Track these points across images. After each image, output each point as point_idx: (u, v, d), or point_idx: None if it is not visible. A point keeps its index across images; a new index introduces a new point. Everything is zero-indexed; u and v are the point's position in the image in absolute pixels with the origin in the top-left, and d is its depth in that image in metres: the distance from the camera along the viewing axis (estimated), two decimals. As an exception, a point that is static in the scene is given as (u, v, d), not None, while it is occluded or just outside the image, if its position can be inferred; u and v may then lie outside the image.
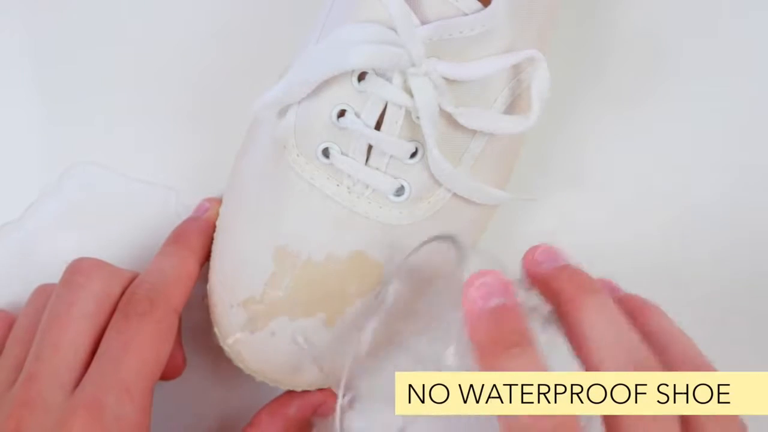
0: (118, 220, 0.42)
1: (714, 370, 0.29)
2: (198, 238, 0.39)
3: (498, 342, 0.28)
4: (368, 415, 0.33)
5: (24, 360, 0.35)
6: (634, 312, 0.30)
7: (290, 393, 0.38)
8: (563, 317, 0.29)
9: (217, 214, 0.40)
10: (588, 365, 0.28)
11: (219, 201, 0.40)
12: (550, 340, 0.30)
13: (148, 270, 0.37)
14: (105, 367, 0.34)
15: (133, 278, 0.37)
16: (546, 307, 0.31)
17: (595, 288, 0.30)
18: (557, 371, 0.28)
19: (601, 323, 0.28)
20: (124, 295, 0.36)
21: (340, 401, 0.33)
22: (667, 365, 0.28)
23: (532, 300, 0.31)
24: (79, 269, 0.36)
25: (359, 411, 0.33)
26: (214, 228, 0.39)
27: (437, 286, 0.34)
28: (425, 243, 0.34)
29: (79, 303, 0.35)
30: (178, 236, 0.39)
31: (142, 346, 0.34)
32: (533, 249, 0.32)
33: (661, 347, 0.29)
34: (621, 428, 0.26)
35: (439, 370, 0.29)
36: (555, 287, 0.30)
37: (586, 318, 0.29)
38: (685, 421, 0.27)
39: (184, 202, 0.42)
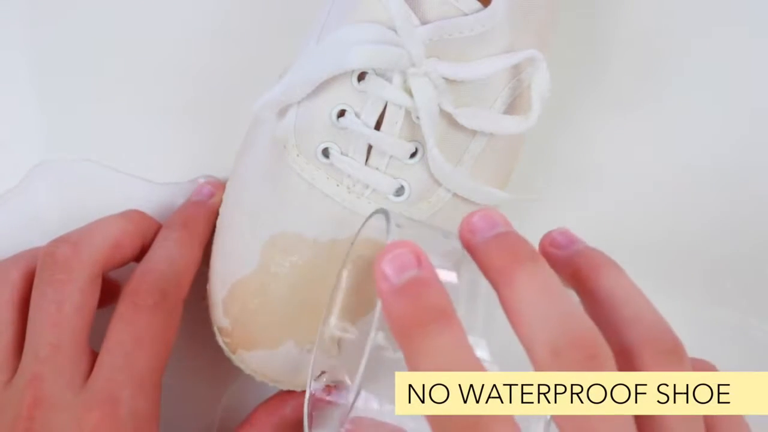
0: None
1: (669, 327, 0.27)
2: (206, 225, 0.39)
3: (413, 320, 0.25)
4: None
5: (12, 357, 0.35)
6: (589, 269, 0.29)
7: (287, 392, 0.38)
8: (497, 291, 0.27)
9: (221, 201, 0.39)
10: (522, 340, 0.26)
11: (222, 186, 0.40)
12: (490, 314, 0.28)
13: (155, 255, 0.37)
14: (117, 361, 0.34)
15: (114, 246, 0.36)
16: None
17: (526, 257, 0.27)
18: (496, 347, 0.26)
19: (532, 295, 0.26)
20: (132, 281, 0.35)
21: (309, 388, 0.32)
22: (617, 326, 0.27)
23: (470, 272, 0.29)
24: (55, 265, 0.35)
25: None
26: (217, 214, 0.39)
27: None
28: (364, 224, 0.32)
29: (67, 300, 0.35)
30: (186, 222, 0.39)
31: (153, 338, 0.34)
32: (470, 215, 0.29)
33: (614, 307, 0.27)
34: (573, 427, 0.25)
35: (373, 357, 0.27)
36: (486, 259, 0.28)
37: (516, 292, 0.26)
38: (643, 421, 0.26)
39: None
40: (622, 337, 0.27)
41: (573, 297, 0.28)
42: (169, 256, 0.37)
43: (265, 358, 0.37)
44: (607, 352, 0.26)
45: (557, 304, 0.26)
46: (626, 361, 0.27)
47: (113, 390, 0.33)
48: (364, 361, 0.27)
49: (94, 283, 0.35)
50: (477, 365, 0.25)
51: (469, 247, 0.29)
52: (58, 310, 0.34)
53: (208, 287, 0.39)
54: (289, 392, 0.38)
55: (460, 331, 0.26)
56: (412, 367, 0.26)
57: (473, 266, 0.29)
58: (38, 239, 0.38)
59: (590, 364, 0.25)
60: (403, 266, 0.26)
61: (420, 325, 0.25)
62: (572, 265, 0.29)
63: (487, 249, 0.28)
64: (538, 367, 0.26)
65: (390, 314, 0.26)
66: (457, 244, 0.29)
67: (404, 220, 0.30)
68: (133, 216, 0.38)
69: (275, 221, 0.37)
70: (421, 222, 0.33)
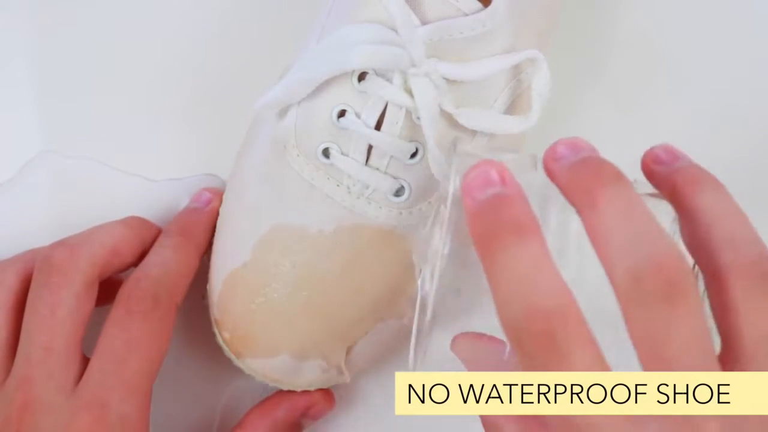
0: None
1: (765, 250, 0.26)
2: (203, 232, 0.39)
3: (493, 233, 0.25)
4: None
5: (5, 358, 0.35)
6: (687, 185, 0.27)
7: (280, 394, 0.38)
8: (579, 214, 0.26)
9: (220, 205, 0.39)
10: (603, 265, 0.25)
11: (221, 192, 0.40)
12: (577, 244, 0.27)
13: (150, 261, 0.37)
14: (107, 366, 0.34)
15: (113, 252, 0.36)
16: None
17: (609, 178, 0.26)
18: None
19: (614, 218, 0.25)
20: (126, 287, 0.35)
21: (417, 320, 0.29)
22: (710, 247, 0.25)
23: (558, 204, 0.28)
24: (51, 268, 0.35)
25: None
26: (216, 219, 0.39)
27: None
28: (453, 156, 0.30)
29: (61, 303, 0.35)
30: (182, 229, 0.39)
31: (145, 344, 0.34)
32: (555, 144, 0.28)
33: (709, 226, 0.26)
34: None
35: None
36: (568, 183, 0.27)
37: (598, 214, 0.25)
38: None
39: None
40: (714, 259, 0.26)
41: (659, 219, 0.27)
42: (164, 262, 0.37)
43: (263, 362, 0.37)
44: (688, 279, 0.24)
45: (640, 227, 0.25)
46: (717, 285, 0.26)
47: (102, 395, 0.33)
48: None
49: (90, 288, 0.36)
50: (557, 280, 0.25)
51: (553, 174, 0.28)
52: (52, 313, 0.34)
53: (207, 287, 0.39)
54: (282, 394, 0.38)
55: (541, 245, 0.25)
56: (492, 281, 0.25)
57: (560, 198, 0.28)
58: (36, 232, 0.38)
59: (670, 291, 0.24)
60: (486, 183, 0.26)
61: (499, 239, 0.25)
62: (672, 182, 0.28)
63: (569, 173, 0.27)
64: (617, 291, 0.25)
65: (473, 230, 0.26)
66: (544, 177, 0.29)
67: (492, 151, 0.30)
68: (134, 222, 0.38)
69: (275, 221, 0.37)
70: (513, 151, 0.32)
